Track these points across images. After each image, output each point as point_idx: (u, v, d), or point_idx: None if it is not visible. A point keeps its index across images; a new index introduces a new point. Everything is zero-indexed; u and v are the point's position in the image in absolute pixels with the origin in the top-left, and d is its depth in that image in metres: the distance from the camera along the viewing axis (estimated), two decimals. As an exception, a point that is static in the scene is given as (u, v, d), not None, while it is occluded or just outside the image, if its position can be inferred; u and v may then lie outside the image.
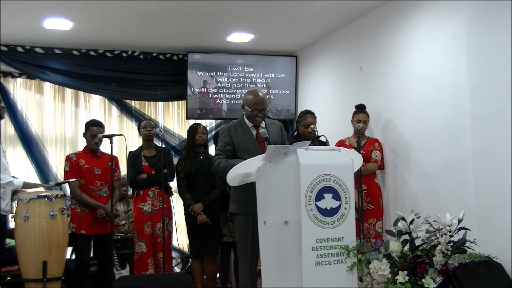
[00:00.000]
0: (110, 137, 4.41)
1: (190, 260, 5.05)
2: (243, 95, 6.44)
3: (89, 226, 4.47)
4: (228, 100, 6.36)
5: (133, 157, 4.81)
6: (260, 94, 3.67)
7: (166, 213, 4.59)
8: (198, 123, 4.99)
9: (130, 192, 5.40)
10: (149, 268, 4.66)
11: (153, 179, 4.72)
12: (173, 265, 6.09)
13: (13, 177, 4.17)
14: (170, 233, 4.82)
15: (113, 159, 4.60)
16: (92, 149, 4.62)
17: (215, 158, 3.67)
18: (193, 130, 4.80)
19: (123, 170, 5.25)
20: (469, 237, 3.15)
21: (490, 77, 3.48)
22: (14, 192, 4.10)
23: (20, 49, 5.76)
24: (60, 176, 5.83)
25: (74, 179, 4.44)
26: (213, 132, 5.84)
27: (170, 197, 4.84)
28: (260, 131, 3.66)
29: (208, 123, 6.58)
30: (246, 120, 3.72)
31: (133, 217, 4.76)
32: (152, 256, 4.71)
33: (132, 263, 4.88)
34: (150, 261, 4.67)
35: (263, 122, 3.73)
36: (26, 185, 4.18)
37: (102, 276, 4.62)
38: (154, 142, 5.02)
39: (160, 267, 4.68)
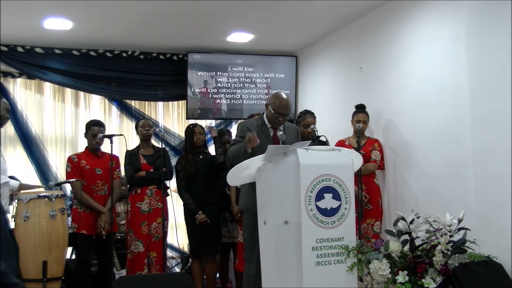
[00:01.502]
0: (110, 137, 4.42)
1: (190, 260, 5.05)
2: (243, 95, 6.60)
3: (90, 226, 4.47)
4: (228, 100, 6.36)
5: (131, 155, 4.78)
6: (286, 98, 3.66)
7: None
8: (194, 124, 4.98)
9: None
10: (144, 268, 4.64)
11: (152, 177, 4.71)
12: (173, 265, 6.10)
13: (10, 177, 4.17)
14: (165, 233, 4.80)
15: (114, 159, 4.59)
16: (93, 149, 4.61)
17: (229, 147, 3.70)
18: (190, 131, 4.79)
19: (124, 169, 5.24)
20: (469, 237, 3.15)
21: (490, 77, 3.48)
22: (13, 193, 4.10)
23: (20, 49, 5.76)
24: (60, 176, 5.83)
25: (74, 179, 4.43)
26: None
27: (167, 197, 4.81)
28: (278, 133, 3.65)
29: (208, 123, 6.58)
30: (266, 120, 3.74)
31: (129, 216, 4.71)
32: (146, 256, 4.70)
33: (125, 262, 4.82)
34: (146, 261, 4.65)
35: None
36: (22, 186, 4.16)
37: (102, 276, 4.62)
38: (152, 141, 5.02)
39: (152, 267, 4.66)
